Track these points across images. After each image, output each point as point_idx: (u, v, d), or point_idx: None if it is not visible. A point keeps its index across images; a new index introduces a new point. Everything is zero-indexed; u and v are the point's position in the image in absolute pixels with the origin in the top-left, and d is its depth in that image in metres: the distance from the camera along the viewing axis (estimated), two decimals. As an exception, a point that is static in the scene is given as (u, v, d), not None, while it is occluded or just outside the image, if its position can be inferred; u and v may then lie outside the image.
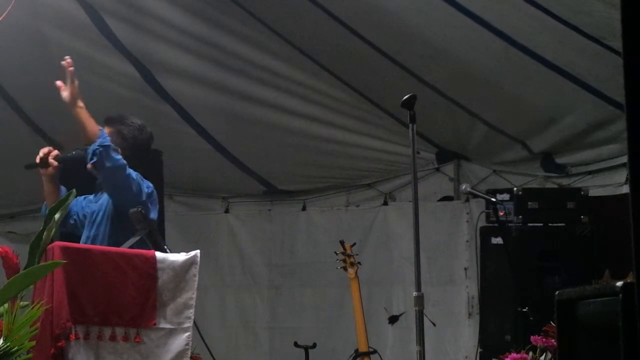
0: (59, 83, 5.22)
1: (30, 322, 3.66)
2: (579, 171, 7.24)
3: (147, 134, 5.48)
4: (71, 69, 5.21)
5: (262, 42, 7.20)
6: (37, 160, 5.27)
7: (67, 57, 5.24)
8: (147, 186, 5.24)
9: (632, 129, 2.08)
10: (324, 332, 7.78)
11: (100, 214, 5.27)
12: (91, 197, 5.46)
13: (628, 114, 2.09)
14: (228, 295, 8.31)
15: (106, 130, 5.33)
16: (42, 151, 5.28)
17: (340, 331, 7.65)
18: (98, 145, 5.03)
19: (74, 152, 5.39)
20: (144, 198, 5.16)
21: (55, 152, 5.31)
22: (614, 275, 5.76)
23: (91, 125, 5.13)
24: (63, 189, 5.23)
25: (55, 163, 5.26)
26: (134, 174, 5.15)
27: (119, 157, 5.06)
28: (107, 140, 5.09)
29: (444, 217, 7.73)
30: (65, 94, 5.19)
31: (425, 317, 6.22)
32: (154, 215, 5.18)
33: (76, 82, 5.21)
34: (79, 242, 5.17)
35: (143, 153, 5.46)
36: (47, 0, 6.92)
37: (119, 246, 4.80)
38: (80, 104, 5.18)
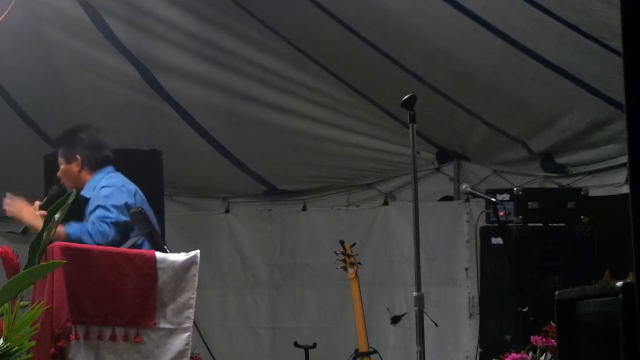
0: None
1: (30, 322, 3.66)
2: (579, 171, 7.24)
3: (94, 129, 5.53)
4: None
5: (262, 42, 7.20)
6: None
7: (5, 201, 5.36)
8: (127, 192, 5.24)
9: (632, 129, 2.08)
10: (324, 332, 7.77)
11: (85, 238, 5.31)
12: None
13: (628, 114, 2.09)
14: (229, 296, 8.30)
15: (62, 149, 5.42)
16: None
17: (341, 331, 7.65)
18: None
19: (50, 191, 5.44)
20: (133, 201, 5.17)
21: (37, 203, 5.33)
22: (614, 275, 5.76)
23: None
24: None
25: (44, 212, 5.26)
26: (100, 213, 5.12)
27: (74, 229, 5.05)
28: (76, 231, 5.10)
29: (444, 217, 7.72)
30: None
31: (427, 318, 6.24)
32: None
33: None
34: None
35: (105, 149, 5.49)
36: (47, 0, 6.92)
37: None
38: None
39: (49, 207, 5.31)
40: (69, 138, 5.52)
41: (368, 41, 6.78)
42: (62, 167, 5.46)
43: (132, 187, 5.34)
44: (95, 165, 5.42)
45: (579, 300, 3.38)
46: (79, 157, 5.42)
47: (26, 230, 5.41)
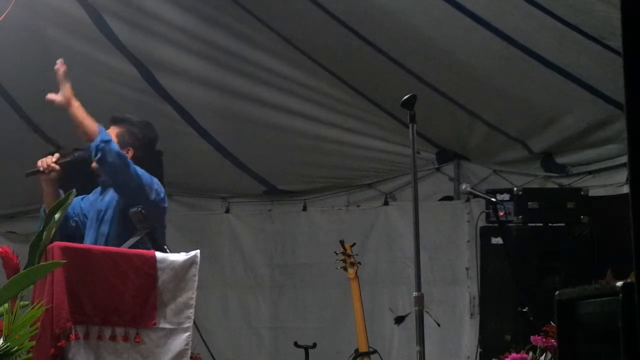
0: (49, 96, 5.22)
1: (30, 322, 3.65)
2: (579, 171, 7.24)
3: (155, 131, 5.51)
4: (62, 71, 5.18)
5: (263, 42, 7.20)
6: (40, 168, 5.22)
7: (59, 60, 5.20)
8: (157, 186, 5.23)
9: (632, 129, 2.08)
10: (326, 332, 7.77)
11: (110, 211, 5.27)
12: (91, 197, 5.45)
13: (628, 114, 2.09)
14: (230, 296, 8.30)
15: (115, 130, 5.34)
16: (47, 161, 5.22)
17: (342, 331, 7.64)
18: (100, 141, 5.05)
19: (75, 154, 5.37)
20: (152, 197, 5.17)
21: (57, 155, 5.28)
22: (616, 275, 5.75)
23: (89, 123, 5.14)
24: (61, 192, 5.20)
25: (58, 167, 5.23)
26: (141, 171, 5.16)
27: (122, 152, 5.07)
28: (108, 136, 5.10)
29: (445, 217, 7.72)
30: (57, 97, 5.19)
31: (430, 318, 6.23)
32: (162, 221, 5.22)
33: (68, 84, 5.21)
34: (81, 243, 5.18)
35: (152, 151, 5.47)
36: (47, 0, 6.92)
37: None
38: (75, 103, 5.19)
39: (66, 165, 5.28)
40: (132, 129, 5.40)
41: (368, 41, 6.78)
42: None
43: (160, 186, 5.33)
44: (137, 163, 5.36)
45: (579, 300, 3.38)
46: (131, 151, 5.35)
47: (32, 173, 5.27)
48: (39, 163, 5.24)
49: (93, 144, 5.07)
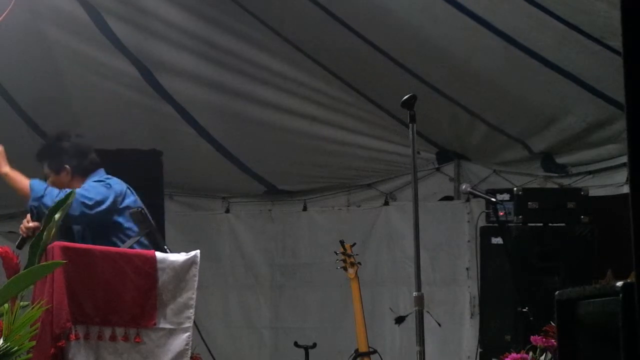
0: None
1: (30, 322, 3.66)
2: (579, 171, 7.24)
3: (71, 134, 5.47)
4: None
5: (263, 42, 7.20)
6: (24, 235, 5.21)
7: None
8: (118, 187, 5.21)
9: (632, 129, 2.08)
10: (327, 332, 7.78)
11: (80, 227, 5.29)
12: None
13: (628, 114, 2.09)
14: (231, 295, 8.31)
15: (45, 164, 5.35)
16: (24, 226, 5.22)
17: (343, 331, 7.64)
18: (31, 202, 5.07)
19: None
20: (109, 203, 5.13)
21: (28, 215, 5.24)
22: (616, 275, 5.75)
23: (20, 184, 5.16)
24: None
25: (37, 224, 5.20)
26: (91, 187, 5.12)
27: (55, 197, 4.99)
28: (39, 192, 5.09)
29: (445, 217, 7.73)
30: None
31: (431, 318, 6.22)
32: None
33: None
34: None
35: (91, 153, 5.43)
36: (47, 0, 6.92)
37: None
38: (5, 169, 5.23)
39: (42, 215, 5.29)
40: (53, 149, 5.41)
41: (368, 41, 6.78)
42: (50, 178, 5.38)
43: (119, 186, 5.29)
44: (85, 171, 5.35)
45: (579, 300, 3.38)
46: (67, 167, 5.35)
47: (22, 243, 5.31)
48: (21, 232, 5.26)
49: (28, 206, 5.10)
